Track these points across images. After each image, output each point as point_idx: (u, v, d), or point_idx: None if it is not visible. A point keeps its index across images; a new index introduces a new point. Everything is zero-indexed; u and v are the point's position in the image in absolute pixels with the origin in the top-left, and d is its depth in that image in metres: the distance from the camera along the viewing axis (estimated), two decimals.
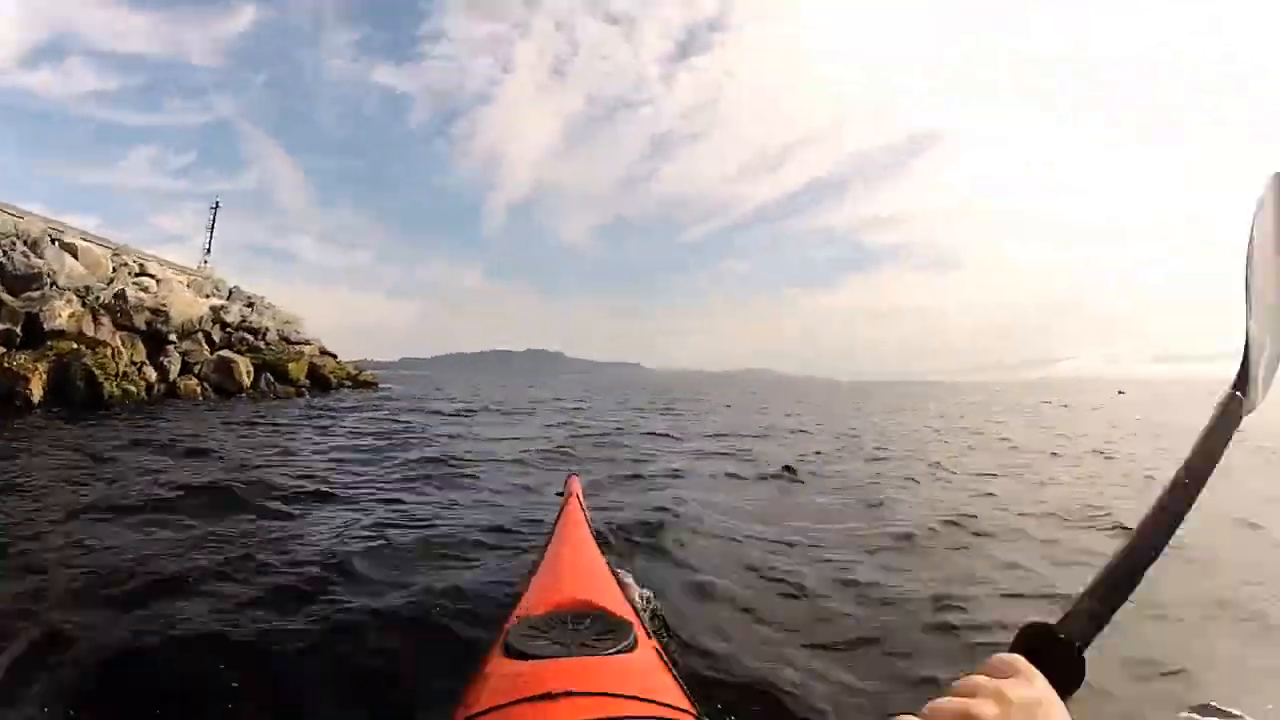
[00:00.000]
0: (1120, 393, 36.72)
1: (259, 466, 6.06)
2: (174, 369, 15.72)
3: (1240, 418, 0.64)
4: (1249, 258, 0.71)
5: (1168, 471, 0.57)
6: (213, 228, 28.51)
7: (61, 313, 12.43)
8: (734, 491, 5.71)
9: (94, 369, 12.12)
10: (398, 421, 11.59)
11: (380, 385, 24.94)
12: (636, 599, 1.87)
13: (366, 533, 3.67)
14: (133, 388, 13.82)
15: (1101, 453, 9.01)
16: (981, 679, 0.42)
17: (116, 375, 13.29)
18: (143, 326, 15.00)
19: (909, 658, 2.36)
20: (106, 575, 2.84)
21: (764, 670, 2.15)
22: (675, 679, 1.18)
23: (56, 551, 3.19)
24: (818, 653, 2.36)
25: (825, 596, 2.95)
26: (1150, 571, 0.51)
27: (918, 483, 6.26)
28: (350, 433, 9.50)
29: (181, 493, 4.52)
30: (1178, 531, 0.54)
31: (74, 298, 12.90)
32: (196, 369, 16.52)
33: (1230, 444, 0.60)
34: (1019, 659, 0.44)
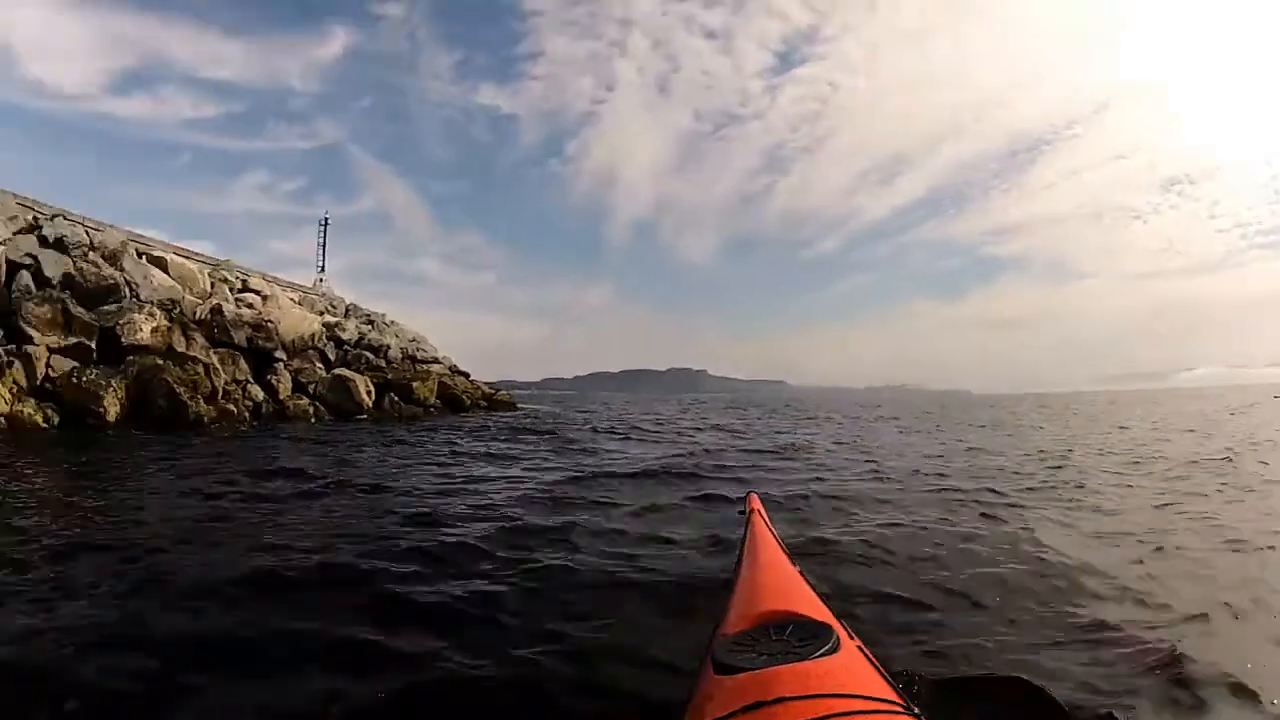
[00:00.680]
0: (1276, 397, 35.14)
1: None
2: (284, 388, 14.12)
3: None
4: None
5: None
6: (324, 244, 27.32)
7: (143, 326, 10.88)
8: None
9: (176, 386, 10.30)
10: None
11: (519, 405, 22.81)
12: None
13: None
14: (233, 407, 12.18)
15: None
16: None
17: (212, 394, 11.53)
18: (243, 343, 13.43)
19: None
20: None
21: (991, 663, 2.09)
22: (882, 675, 1.20)
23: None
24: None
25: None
26: None
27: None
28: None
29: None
30: None
31: (157, 311, 11.27)
32: (311, 388, 14.81)
33: None
34: None
